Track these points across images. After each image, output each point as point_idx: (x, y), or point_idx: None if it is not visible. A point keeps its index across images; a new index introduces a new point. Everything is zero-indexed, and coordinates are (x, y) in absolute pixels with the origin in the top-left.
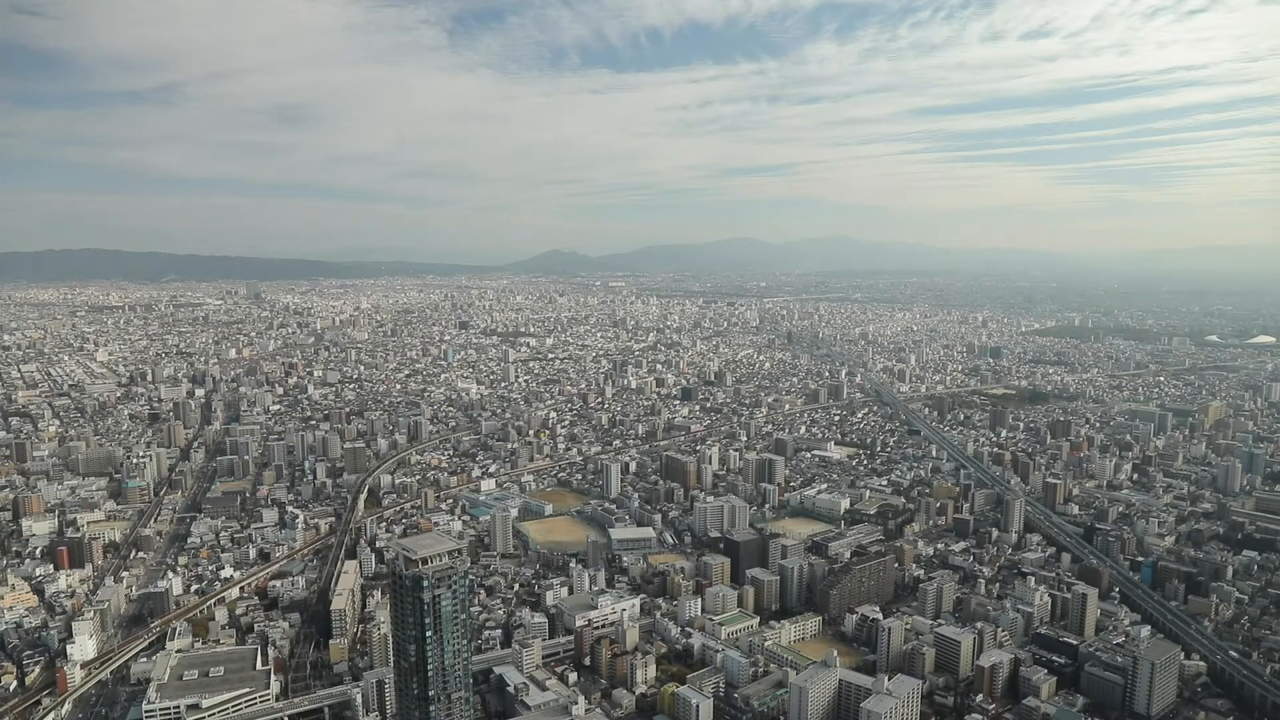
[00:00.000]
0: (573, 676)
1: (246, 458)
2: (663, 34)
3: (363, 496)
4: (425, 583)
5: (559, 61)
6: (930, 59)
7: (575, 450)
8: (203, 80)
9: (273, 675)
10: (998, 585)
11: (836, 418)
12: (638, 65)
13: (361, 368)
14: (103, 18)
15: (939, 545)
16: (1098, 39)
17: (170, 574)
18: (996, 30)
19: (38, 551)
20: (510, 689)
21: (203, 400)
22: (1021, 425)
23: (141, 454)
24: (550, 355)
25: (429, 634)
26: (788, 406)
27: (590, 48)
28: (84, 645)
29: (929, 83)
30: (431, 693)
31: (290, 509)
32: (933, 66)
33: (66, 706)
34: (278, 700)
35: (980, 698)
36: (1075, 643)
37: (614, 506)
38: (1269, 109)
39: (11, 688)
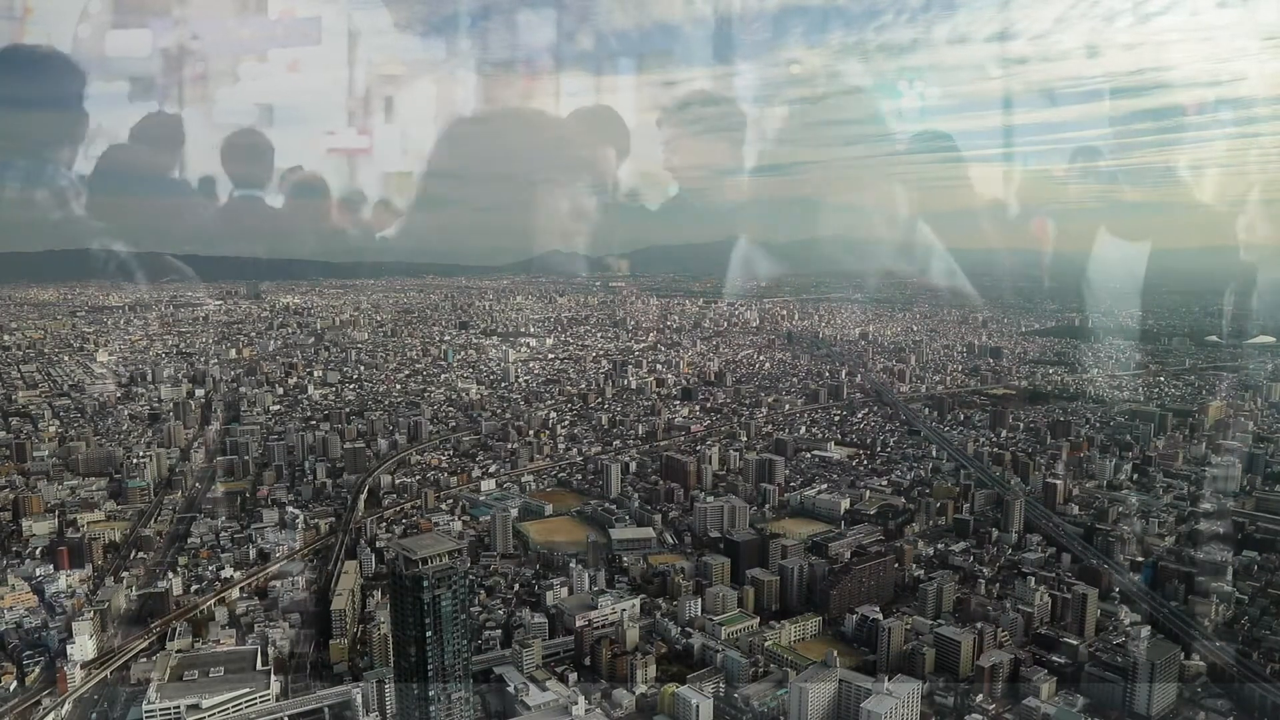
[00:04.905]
0: (573, 676)
1: (246, 458)
2: (632, 37)
3: (363, 496)
4: (425, 583)
5: (533, 64)
6: (900, 60)
7: (575, 450)
8: (188, 83)
9: (273, 675)
10: (998, 585)
11: (836, 418)
12: (612, 68)
13: (361, 368)
14: (84, 21)
15: (939, 545)
16: (1063, 41)
17: (170, 574)
18: (962, 33)
19: (38, 551)
20: (510, 689)
21: (203, 400)
22: (1021, 425)
23: (141, 454)
24: (550, 355)
25: (429, 634)
26: (788, 406)
27: (563, 51)
28: (84, 645)
29: (902, 85)
30: (431, 693)
31: (290, 509)
32: (905, 69)
33: (66, 706)
34: (278, 700)
35: (980, 698)
36: (1075, 643)
37: (614, 506)
38: (1245, 111)
39: (11, 688)
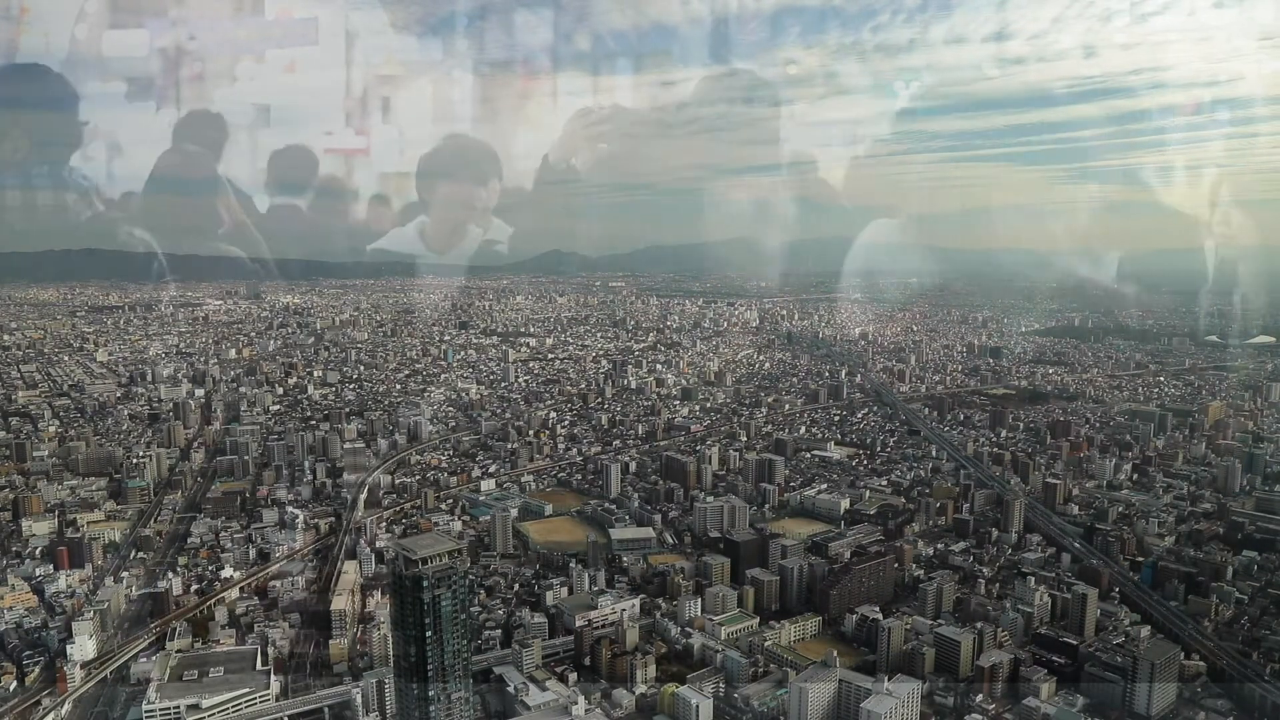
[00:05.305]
0: (573, 676)
1: (246, 458)
2: (629, 37)
3: (363, 496)
4: (425, 583)
5: (530, 64)
6: (897, 61)
7: (575, 450)
8: (186, 83)
9: (273, 675)
10: (998, 585)
11: (836, 418)
12: (609, 69)
13: (361, 368)
14: (81, 22)
15: (939, 545)
16: (1060, 41)
17: (170, 574)
18: (958, 33)
19: (38, 551)
20: (510, 689)
21: (203, 400)
22: (1021, 425)
23: (141, 454)
24: (550, 355)
25: (429, 634)
26: (788, 406)
27: (559, 50)
28: (84, 645)
29: (899, 85)
30: (431, 693)
31: (290, 509)
32: (901, 69)
33: (66, 706)
34: (278, 700)
35: (980, 698)
36: (1075, 643)
37: (614, 506)
38: (1241, 111)
39: (11, 688)
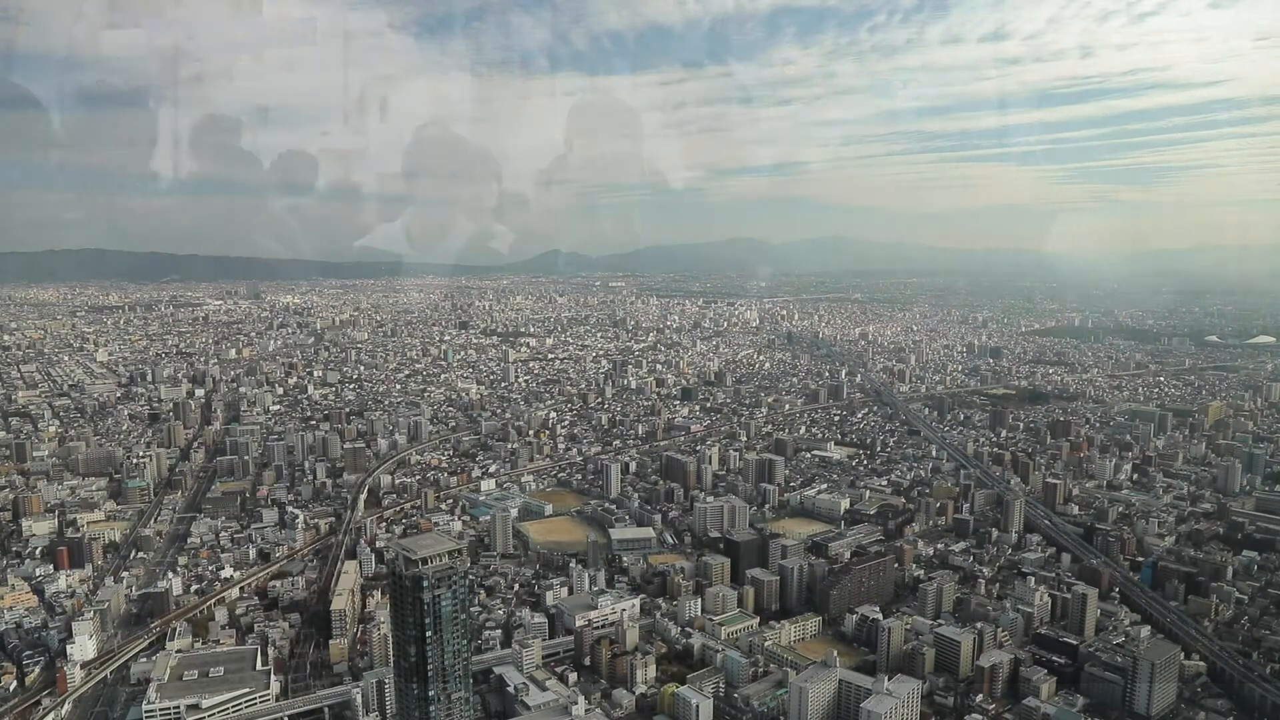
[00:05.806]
0: (573, 676)
1: (246, 458)
2: (626, 37)
3: (363, 496)
4: (425, 583)
5: (528, 65)
6: (893, 61)
7: (575, 450)
8: (186, 83)
9: (273, 675)
10: (998, 585)
11: (836, 418)
12: (606, 69)
13: (361, 368)
14: (77, 22)
15: (939, 545)
16: (1056, 41)
17: (170, 574)
18: (955, 33)
19: (38, 551)
20: (510, 689)
21: (203, 400)
22: (1021, 425)
23: (141, 454)
24: (550, 355)
25: (429, 634)
26: (788, 406)
27: (556, 51)
28: (84, 645)
29: (896, 85)
30: (431, 693)
31: (290, 509)
32: (898, 69)
33: (66, 706)
34: (278, 700)
35: (980, 698)
36: (1075, 643)
37: (614, 506)
38: (1240, 111)
39: (11, 688)
